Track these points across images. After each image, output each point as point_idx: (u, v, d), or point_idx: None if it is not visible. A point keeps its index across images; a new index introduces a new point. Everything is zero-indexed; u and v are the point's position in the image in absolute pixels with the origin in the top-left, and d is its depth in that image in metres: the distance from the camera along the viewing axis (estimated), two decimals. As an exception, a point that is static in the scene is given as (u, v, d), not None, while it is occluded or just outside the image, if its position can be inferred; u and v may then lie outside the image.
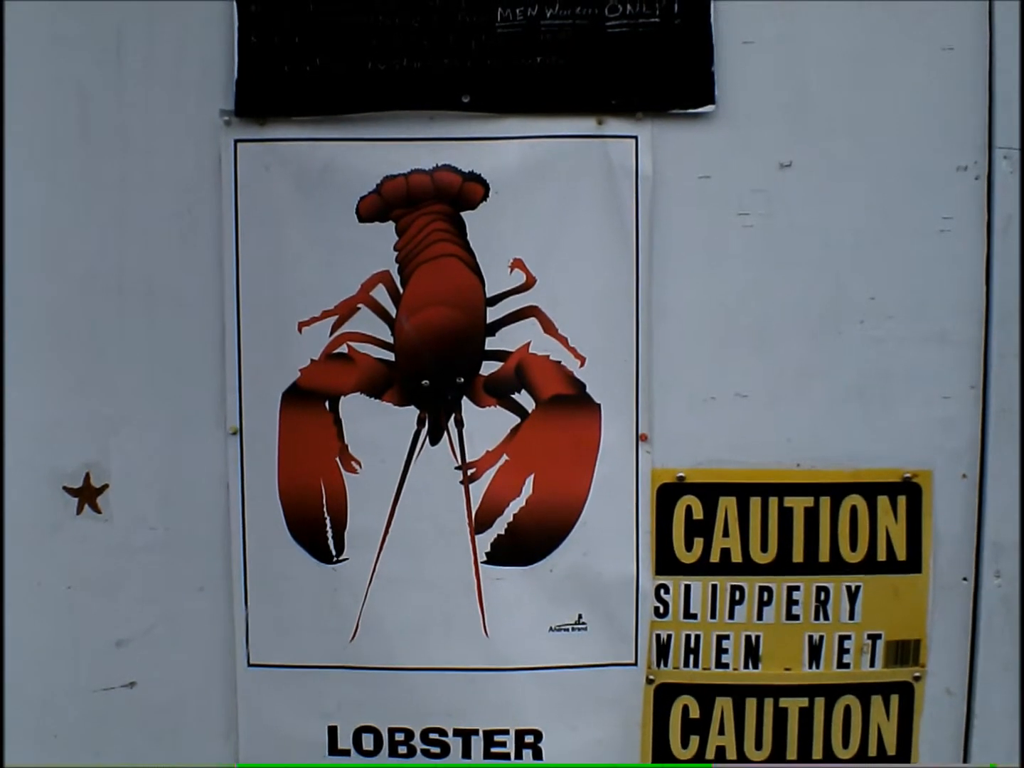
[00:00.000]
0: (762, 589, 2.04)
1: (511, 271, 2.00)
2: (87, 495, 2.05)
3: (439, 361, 2.02)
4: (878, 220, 1.99)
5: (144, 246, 2.01)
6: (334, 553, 2.04)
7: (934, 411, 2.01)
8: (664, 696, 2.06)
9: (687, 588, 2.04)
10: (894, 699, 2.06)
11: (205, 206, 2.00)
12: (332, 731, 2.09)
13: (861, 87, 1.97)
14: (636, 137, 1.97)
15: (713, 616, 2.04)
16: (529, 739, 2.08)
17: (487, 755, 2.08)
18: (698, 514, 2.03)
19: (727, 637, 2.05)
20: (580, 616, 2.05)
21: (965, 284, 2.00)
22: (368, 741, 2.10)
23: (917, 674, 2.06)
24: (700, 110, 1.96)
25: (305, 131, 1.98)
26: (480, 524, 2.04)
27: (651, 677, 2.06)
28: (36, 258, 2.01)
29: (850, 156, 1.97)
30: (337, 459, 2.03)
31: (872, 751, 2.08)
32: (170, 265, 2.02)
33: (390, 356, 2.02)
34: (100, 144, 1.99)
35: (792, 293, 2.00)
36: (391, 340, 2.02)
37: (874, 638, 2.05)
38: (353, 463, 2.03)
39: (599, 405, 2.02)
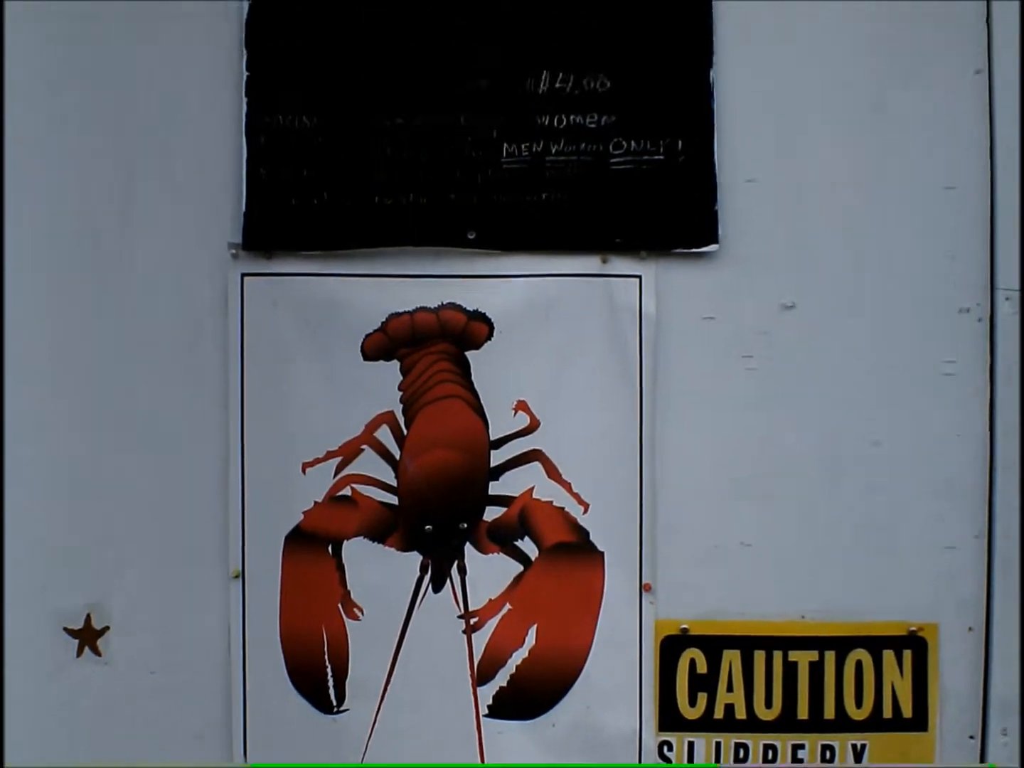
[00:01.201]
0: (767, 747, 2.00)
1: (515, 413, 2.00)
2: (88, 637, 2.02)
3: (443, 505, 2.01)
4: (881, 364, 1.99)
5: (148, 382, 2.01)
6: (335, 703, 2.01)
7: (939, 561, 1.99)
8: (667, 860, 2.03)
9: (691, 745, 2.01)
10: (902, 866, 2.03)
11: (211, 341, 2.00)
12: None
13: (862, 227, 1.98)
14: (640, 276, 1.98)
15: (717, 775, 2.02)
16: None
17: None
18: (702, 668, 2.00)
19: (731, 798, 2.02)
20: (582, 774, 2.03)
21: (969, 429, 1.99)
22: None
23: (924, 838, 2.03)
24: (704, 249, 1.97)
25: (311, 266, 1.99)
26: (482, 675, 2.01)
27: (654, 839, 2.02)
28: (39, 391, 2.00)
29: (852, 298, 1.98)
30: (339, 605, 2.01)
31: None
32: (174, 402, 2.01)
33: (393, 499, 2.01)
34: (105, 275, 2.00)
35: (795, 438, 1.99)
36: (395, 483, 2.01)
37: (880, 800, 2.02)
38: (355, 610, 2.01)
39: (602, 553, 2.00)
